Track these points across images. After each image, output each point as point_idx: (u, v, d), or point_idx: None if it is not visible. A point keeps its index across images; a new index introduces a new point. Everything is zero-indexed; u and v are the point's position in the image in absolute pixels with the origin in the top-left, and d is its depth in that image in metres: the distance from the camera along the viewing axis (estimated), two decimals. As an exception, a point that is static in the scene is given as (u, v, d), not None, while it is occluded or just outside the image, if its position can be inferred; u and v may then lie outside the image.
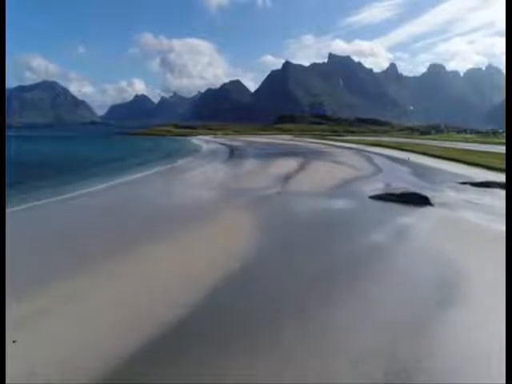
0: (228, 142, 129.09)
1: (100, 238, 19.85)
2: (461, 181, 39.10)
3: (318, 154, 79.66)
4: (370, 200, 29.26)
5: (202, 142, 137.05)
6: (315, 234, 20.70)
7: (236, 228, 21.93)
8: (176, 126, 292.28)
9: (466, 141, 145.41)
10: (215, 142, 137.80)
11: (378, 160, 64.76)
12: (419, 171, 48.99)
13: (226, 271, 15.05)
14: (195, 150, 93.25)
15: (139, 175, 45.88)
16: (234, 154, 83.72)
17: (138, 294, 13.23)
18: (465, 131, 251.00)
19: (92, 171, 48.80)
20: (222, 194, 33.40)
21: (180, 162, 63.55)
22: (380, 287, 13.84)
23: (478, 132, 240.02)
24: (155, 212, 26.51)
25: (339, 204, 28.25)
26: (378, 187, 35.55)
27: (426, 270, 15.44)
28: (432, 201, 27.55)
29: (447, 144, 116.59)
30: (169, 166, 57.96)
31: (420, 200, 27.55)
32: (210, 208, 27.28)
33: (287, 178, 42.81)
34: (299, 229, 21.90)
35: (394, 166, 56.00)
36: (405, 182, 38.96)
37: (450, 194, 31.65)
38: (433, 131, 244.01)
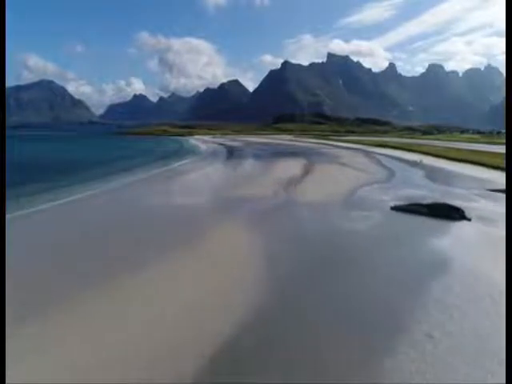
0: (227, 143, 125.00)
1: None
2: (487, 186, 35.12)
3: (321, 156, 75.61)
4: (393, 212, 25.09)
5: (200, 142, 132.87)
6: (335, 266, 16.39)
7: (233, 255, 17.79)
8: (174, 126, 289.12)
9: (469, 141, 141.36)
10: (213, 142, 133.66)
11: (387, 162, 60.71)
12: (436, 175, 44.96)
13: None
14: (193, 152, 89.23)
15: (133, 179, 42.73)
16: (233, 155, 79.75)
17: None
18: (467, 131, 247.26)
19: (89, 174, 45.91)
20: (218, 204, 29.31)
21: (176, 164, 59.48)
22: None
23: (480, 132, 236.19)
24: (137, 229, 22.46)
25: (357, 219, 23.75)
26: (396, 195, 31.51)
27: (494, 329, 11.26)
28: (466, 213, 23.49)
29: (453, 144, 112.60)
30: (164, 168, 54.34)
31: (452, 212, 23.45)
32: (203, 224, 23.22)
33: (292, 183, 38.64)
34: (314, 256, 17.74)
35: (407, 169, 51.95)
36: (425, 189, 34.92)
37: (484, 205, 27.57)
38: (435, 131, 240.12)
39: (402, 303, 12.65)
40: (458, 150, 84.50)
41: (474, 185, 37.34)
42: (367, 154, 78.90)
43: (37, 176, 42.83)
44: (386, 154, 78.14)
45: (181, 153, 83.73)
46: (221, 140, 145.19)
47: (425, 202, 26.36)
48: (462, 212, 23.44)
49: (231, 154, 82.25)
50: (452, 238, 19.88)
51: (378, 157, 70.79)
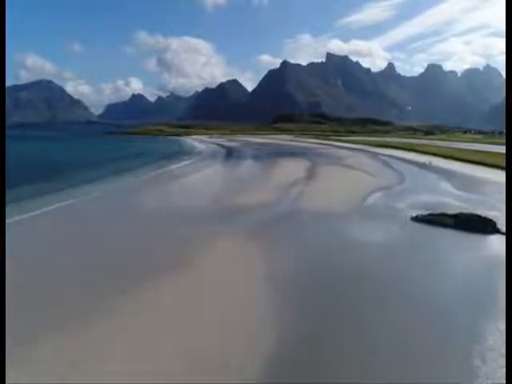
0: (225, 143, 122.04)
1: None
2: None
3: (323, 157, 72.69)
4: (415, 223, 22.14)
5: (198, 142, 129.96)
6: (354, 299, 13.41)
7: (235, 275, 14.92)
8: (172, 126, 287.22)
9: (472, 141, 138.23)
10: (212, 142, 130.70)
11: (394, 164, 57.76)
12: (450, 178, 42.01)
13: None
14: (190, 152, 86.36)
15: (132, 179, 41.95)
16: (231, 156, 76.89)
17: None
18: (469, 131, 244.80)
19: (89, 174, 44.62)
20: (217, 212, 26.38)
21: (173, 166, 56.59)
22: None
23: (482, 132, 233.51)
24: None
25: (375, 233, 20.65)
26: (412, 202, 28.60)
27: None
28: (499, 225, 20.60)
29: (457, 145, 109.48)
30: (163, 169, 52.12)
31: (484, 225, 20.55)
32: (202, 236, 20.33)
33: (296, 188, 35.72)
34: (329, 282, 14.82)
35: (417, 172, 49.08)
36: (442, 195, 32.07)
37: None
38: (437, 131, 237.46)
39: (448, 358, 9.74)
40: (463, 150, 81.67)
41: (493, 189, 34.45)
42: (370, 154, 76.09)
43: (36, 177, 42.36)
44: (389, 154, 75.33)
45: (179, 154, 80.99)
46: (219, 140, 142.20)
47: (447, 210, 23.48)
48: (495, 224, 20.56)
49: (230, 154, 79.43)
50: (494, 258, 16.80)
51: (382, 158, 67.99)
